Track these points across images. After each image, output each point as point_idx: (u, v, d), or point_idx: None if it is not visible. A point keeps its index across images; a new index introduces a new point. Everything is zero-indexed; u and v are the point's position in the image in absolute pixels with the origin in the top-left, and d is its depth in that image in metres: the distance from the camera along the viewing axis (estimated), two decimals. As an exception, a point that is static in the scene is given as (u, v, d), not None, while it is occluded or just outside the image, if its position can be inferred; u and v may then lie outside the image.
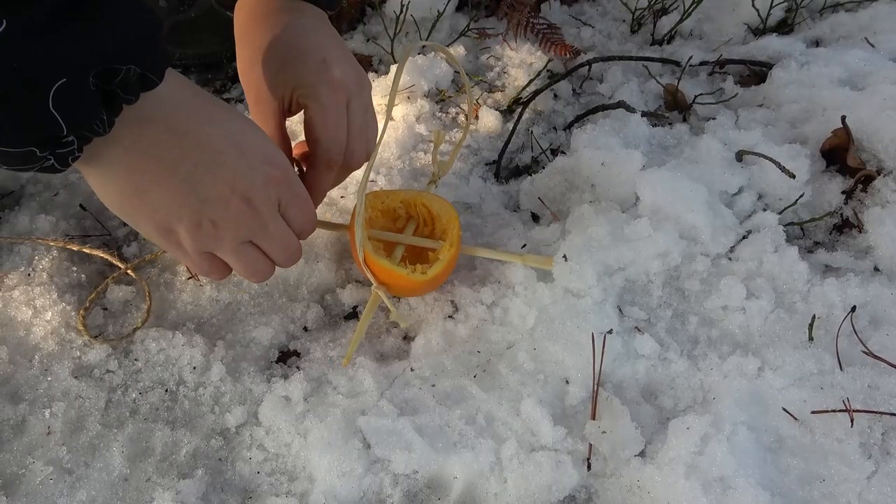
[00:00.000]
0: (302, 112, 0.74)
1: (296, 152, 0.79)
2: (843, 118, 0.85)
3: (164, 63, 0.55)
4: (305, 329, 0.84)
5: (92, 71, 0.48)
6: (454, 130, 1.07)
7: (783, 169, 0.80)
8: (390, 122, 1.04)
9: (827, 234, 0.85)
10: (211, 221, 0.61)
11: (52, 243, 0.87)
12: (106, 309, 0.86)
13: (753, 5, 1.12)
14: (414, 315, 0.83)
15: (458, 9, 1.28)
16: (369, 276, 0.76)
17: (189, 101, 0.59)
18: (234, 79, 1.21)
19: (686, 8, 1.14)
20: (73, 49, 0.47)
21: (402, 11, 1.16)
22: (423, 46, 1.19)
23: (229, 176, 0.60)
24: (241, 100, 1.17)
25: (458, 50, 1.19)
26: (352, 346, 0.75)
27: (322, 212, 0.93)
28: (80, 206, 0.97)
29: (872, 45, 1.04)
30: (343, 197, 0.96)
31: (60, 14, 0.46)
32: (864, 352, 0.68)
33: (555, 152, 1.01)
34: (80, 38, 0.47)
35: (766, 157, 0.83)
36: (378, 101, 1.10)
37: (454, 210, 0.81)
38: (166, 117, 0.56)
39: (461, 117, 1.09)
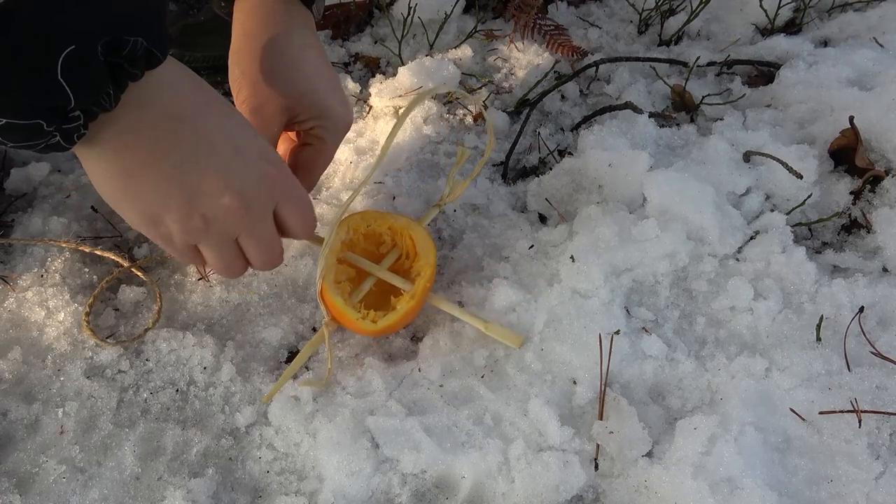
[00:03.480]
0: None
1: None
2: (851, 118, 0.85)
3: (168, 41, 0.54)
4: (314, 330, 0.84)
5: (101, 40, 0.48)
6: (461, 132, 1.07)
7: (791, 170, 0.80)
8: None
9: (835, 235, 0.85)
10: (201, 216, 0.59)
11: (63, 244, 0.88)
12: (117, 310, 0.87)
13: (761, 5, 1.11)
14: (422, 315, 0.84)
15: (466, 10, 1.29)
16: (323, 308, 0.75)
17: (189, 89, 0.58)
18: (243, 81, 1.22)
19: (693, 8, 1.14)
20: (82, 16, 0.47)
21: (409, 14, 1.17)
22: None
23: (222, 170, 0.58)
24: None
25: (466, 51, 1.19)
26: (279, 382, 0.72)
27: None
28: (92, 208, 0.98)
29: (881, 45, 1.03)
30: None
31: None
32: (872, 352, 0.68)
33: (562, 153, 1.02)
34: (89, 4, 0.47)
35: (773, 158, 0.83)
36: (386, 102, 1.11)
37: (434, 254, 0.78)
38: (165, 102, 0.56)
39: (468, 119, 1.09)
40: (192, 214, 0.59)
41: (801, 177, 0.80)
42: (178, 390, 0.77)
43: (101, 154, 0.56)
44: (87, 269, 0.90)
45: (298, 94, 0.73)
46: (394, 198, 0.95)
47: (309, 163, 0.75)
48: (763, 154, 0.84)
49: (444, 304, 0.78)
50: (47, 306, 0.84)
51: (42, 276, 0.87)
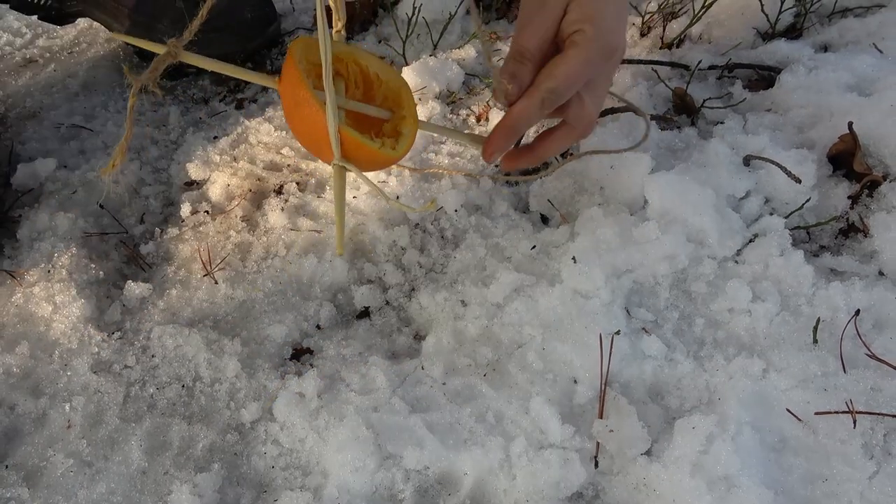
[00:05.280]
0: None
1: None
2: (850, 124, 0.86)
3: None
4: (318, 327, 0.85)
5: None
6: (466, 131, 1.08)
7: (789, 174, 0.81)
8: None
9: (833, 239, 0.86)
10: None
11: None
12: (124, 306, 0.88)
13: (763, 10, 1.12)
14: (425, 314, 0.85)
15: (469, 12, 1.29)
16: (334, 146, 0.64)
17: None
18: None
19: (695, 12, 1.15)
20: None
21: (414, 14, 1.17)
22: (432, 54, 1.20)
23: None
24: (254, 99, 1.19)
25: (469, 52, 1.20)
26: (338, 233, 0.68)
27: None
28: (99, 204, 0.99)
29: (881, 51, 1.04)
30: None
31: None
32: (867, 355, 0.69)
33: (564, 154, 1.02)
34: None
35: (772, 162, 0.84)
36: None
37: (401, 76, 0.71)
38: None
39: (472, 119, 1.10)
40: None
41: (799, 181, 0.81)
42: (184, 386, 0.78)
43: None
44: (93, 265, 0.91)
45: None
46: (398, 197, 0.96)
47: (551, 69, 0.65)
48: (762, 158, 0.85)
49: (430, 126, 0.74)
50: (54, 301, 0.85)
51: (49, 271, 0.88)
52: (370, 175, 0.98)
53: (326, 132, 0.63)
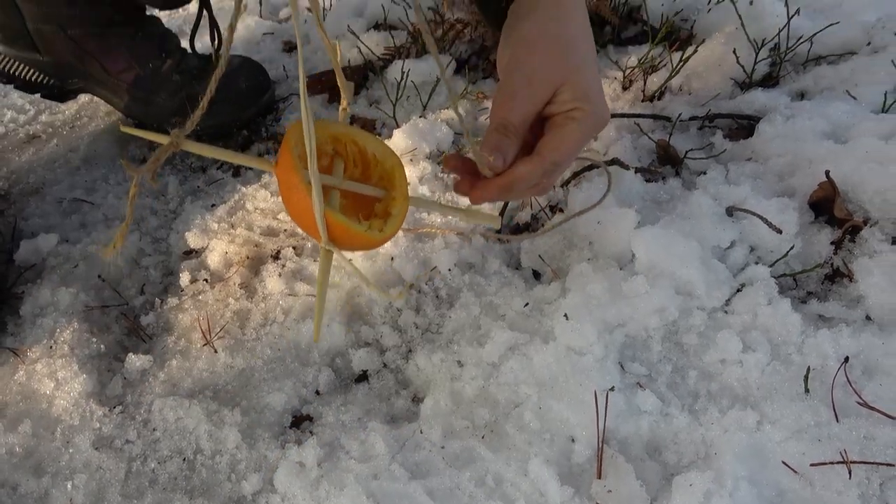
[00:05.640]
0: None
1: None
2: (827, 172, 0.89)
3: None
4: (318, 393, 0.86)
5: None
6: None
7: (770, 225, 0.84)
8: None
9: (819, 284, 0.87)
10: None
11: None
12: (125, 378, 0.89)
13: (738, 62, 1.16)
14: (422, 376, 0.86)
15: (457, 71, 1.34)
16: (321, 231, 0.65)
17: None
18: (245, 146, 1.27)
19: (674, 66, 1.19)
20: None
21: (402, 78, 1.22)
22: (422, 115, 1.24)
23: None
24: (250, 167, 1.22)
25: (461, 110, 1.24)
26: (317, 318, 0.68)
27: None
28: (99, 276, 1.01)
29: (854, 97, 1.08)
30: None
31: None
32: (858, 402, 0.70)
33: (553, 209, 1.05)
34: None
35: (754, 214, 0.86)
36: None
37: (396, 156, 0.73)
38: None
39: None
40: None
41: (780, 232, 0.83)
42: (185, 459, 0.79)
43: None
44: (94, 339, 0.92)
45: (572, 69, 0.70)
46: (392, 259, 0.98)
47: (556, 143, 0.70)
48: (744, 210, 0.88)
49: (422, 202, 0.75)
50: (56, 378, 0.86)
51: (51, 347, 0.90)
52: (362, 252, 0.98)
53: (320, 219, 0.65)
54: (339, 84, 0.73)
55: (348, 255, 0.97)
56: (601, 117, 0.72)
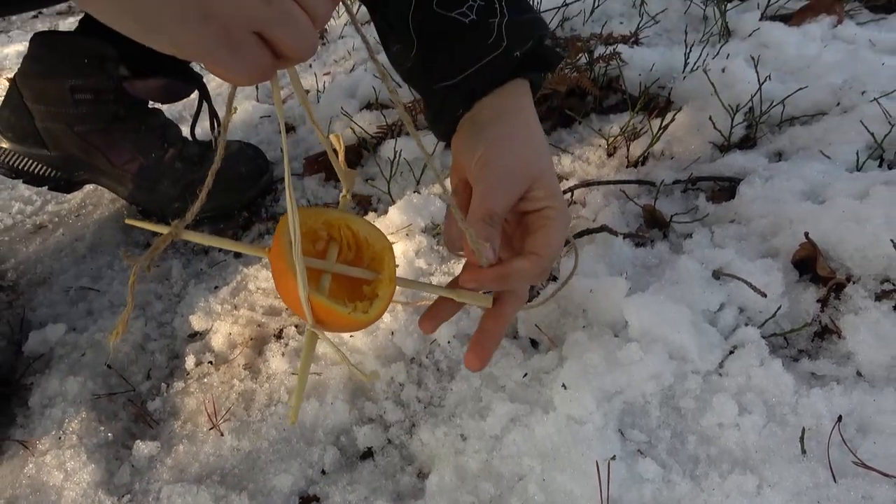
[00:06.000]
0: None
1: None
2: (807, 234, 0.92)
3: None
4: (323, 472, 0.87)
5: None
6: (451, 262, 1.14)
7: (755, 289, 0.87)
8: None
9: (809, 342, 0.89)
10: None
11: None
12: (133, 466, 0.90)
13: (715, 127, 1.22)
14: (426, 451, 0.87)
15: (447, 146, 1.39)
16: (307, 314, 0.67)
17: None
18: (246, 227, 1.31)
19: (654, 132, 1.24)
20: None
21: (395, 157, 1.27)
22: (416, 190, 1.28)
23: None
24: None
25: (448, 185, 1.28)
26: (297, 399, 0.68)
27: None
28: (106, 364, 1.03)
29: (828, 157, 1.12)
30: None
31: None
32: (854, 462, 0.71)
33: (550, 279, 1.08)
34: None
35: (739, 279, 0.89)
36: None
37: (387, 238, 0.75)
38: None
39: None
40: None
41: (765, 295, 0.86)
42: (194, 548, 0.79)
43: None
44: (102, 427, 0.94)
45: (543, 168, 0.76)
46: (392, 333, 1.00)
47: (548, 240, 0.74)
48: (729, 275, 0.91)
49: (411, 284, 0.77)
50: (65, 469, 0.87)
51: (60, 437, 0.91)
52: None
53: (305, 302, 0.66)
54: (338, 174, 0.77)
55: (346, 334, 1.00)
56: (568, 215, 0.78)
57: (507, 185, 0.73)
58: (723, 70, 1.31)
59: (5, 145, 1.24)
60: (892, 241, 0.87)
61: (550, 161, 0.80)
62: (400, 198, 1.23)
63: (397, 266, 0.79)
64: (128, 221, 0.74)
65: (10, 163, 1.24)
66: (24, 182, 1.25)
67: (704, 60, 1.41)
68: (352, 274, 0.74)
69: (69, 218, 1.37)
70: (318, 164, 1.39)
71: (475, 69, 0.80)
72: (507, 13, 0.80)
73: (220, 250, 1.26)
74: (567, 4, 1.66)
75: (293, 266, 0.66)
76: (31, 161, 1.24)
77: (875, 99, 1.17)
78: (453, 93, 0.82)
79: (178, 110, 1.77)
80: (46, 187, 1.27)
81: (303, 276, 0.65)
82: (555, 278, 1.06)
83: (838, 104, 1.25)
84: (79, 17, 1.45)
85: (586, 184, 1.21)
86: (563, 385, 0.84)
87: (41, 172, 1.25)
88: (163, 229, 0.71)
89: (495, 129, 0.78)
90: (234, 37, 0.47)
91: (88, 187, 1.44)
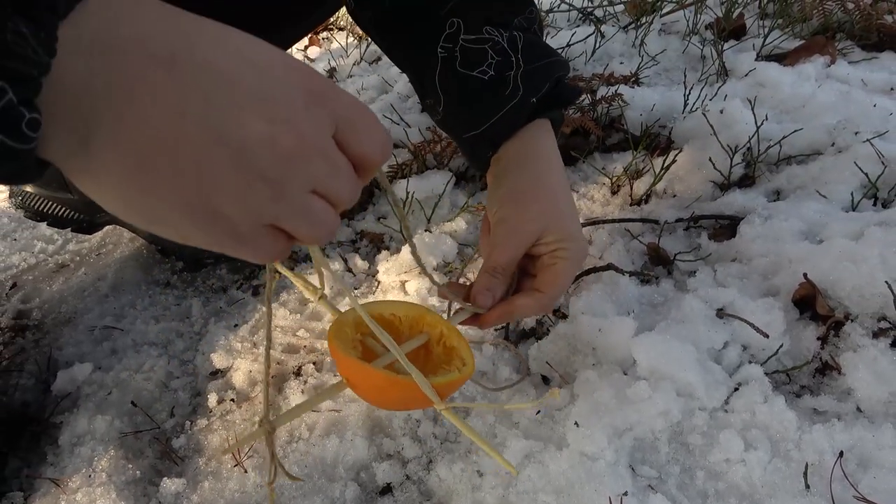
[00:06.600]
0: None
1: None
2: (805, 275, 0.97)
3: None
4: (345, 509, 0.90)
5: None
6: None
7: (757, 329, 0.91)
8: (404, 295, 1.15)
9: (811, 378, 0.93)
10: (260, 176, 0.42)
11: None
12: (160, 503, 0.93)
13: (715, 167, 1.27)
14: (444, 486, 0.90)
15: (456, 184, 1.44)
16: (433, 398, 0.64)
17: (158, 14, 0.40)
18: (262, 266, 1.35)
19: (656, 172, 1.29)
20: None
21: (407, 197, 1.32)
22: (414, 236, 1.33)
23: (258, 103, 0.42)
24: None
25: (460, 223, 1.33)
26: (287, 417, 0.68)
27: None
28: (132, 402, 1.06)
29: (824, 196, 1.17)
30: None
31: None
32: (856, 497, 0.75)
33: (556, 313, 1.12)
34: None
35: (741, 319, 0.93)
36: (393, 278, 1.23)
37: (417, 304, 0.76)
38: (135, 40, 0.38)
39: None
40: (253, 181, 0.42)
41: (766, 336, 0.90)
42: (223, 584, 0.82)
43: (86, 153, 0.40)
44: (130, 465, 0.97)
45: (556, 215, 0.83)
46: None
47: (551, 279, 0.81)
48: (732, 315, 0.95)
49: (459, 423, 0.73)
50: (95, 507, 0.90)
51: (90, 475, 0.94)
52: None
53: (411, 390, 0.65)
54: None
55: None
56: (582, 251, 0.85)
57: (515, 242, 0.82)
58: (721, 111, 1.36)
59: (29, 189, 1.28)
60: (886, 282, 0.91)
61: (568, 201, 0.88)
62: (412, 236, 1.28)
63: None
64: (278, 268, 0.67)
65: (35, 206, 1.29)
66: (48, 224, 1.29)
67: (703, 101, 1.46)
68: (413, 347, 0.72)
69: (90, 257, 1.42)
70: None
71: (496, 119, 0.88)
72: (522, 64, 0.88)
73: (238, 288, 1.30)
74: (570, 45, 1.72)
75: (399, 376, 0.64)
76: (54, 204, 1.29)
77: (868, 140, 1.22)
78: (480, 140, 0.91)
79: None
80: (70, 229, 1.31)
81: (425, 384, 0.63)
82: (564, 315, 1.10)
83: (833, 144, 1.30)
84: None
85: (592, 222, 1.26)
86: (576, 423, 0.87)
87: (65, 215, 1.29)
88: (310, 287, 0.69)
89: (511, 181, 0.86)
90: (244, 232, 0.44)
91: (107, 227, 1.49)
